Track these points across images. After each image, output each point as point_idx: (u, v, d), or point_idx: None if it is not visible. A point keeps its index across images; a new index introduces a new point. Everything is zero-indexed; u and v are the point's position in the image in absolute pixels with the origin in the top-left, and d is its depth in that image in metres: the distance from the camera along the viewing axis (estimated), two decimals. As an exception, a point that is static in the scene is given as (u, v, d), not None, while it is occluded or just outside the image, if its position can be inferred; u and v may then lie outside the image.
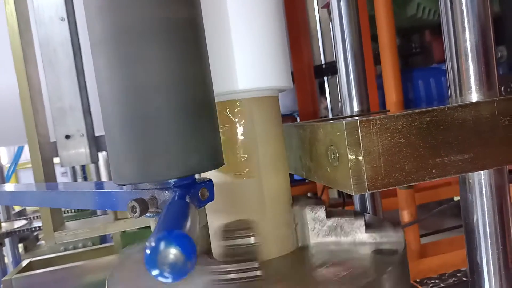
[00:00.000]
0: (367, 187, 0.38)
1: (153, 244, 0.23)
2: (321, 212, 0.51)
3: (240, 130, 0.49)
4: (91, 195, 0.47)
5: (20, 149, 2.47)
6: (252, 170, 0.49)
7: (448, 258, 1.23)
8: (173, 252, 0.23)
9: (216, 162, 0.42)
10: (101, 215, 1.94)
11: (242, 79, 0.47)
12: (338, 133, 0.40)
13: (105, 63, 0.40)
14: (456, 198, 1.76)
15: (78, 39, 1.05)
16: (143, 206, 0.39)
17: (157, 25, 0.38)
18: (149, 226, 1.55)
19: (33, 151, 0.97)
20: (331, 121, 0.44)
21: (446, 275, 1.28)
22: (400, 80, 1.21)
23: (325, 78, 1.85)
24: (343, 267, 0.43)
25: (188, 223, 0.28)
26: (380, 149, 0.39)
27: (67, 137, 1.03)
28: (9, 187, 0.72)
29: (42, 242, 2.49)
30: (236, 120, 0.49)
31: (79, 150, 1.03)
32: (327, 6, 1.47)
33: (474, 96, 0.43)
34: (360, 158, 0.38)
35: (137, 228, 1.56)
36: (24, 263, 1.54)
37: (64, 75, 1.03)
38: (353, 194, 0.39)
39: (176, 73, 0.39)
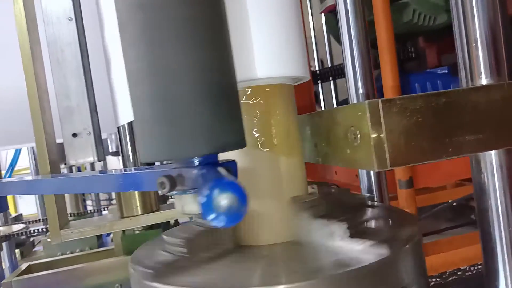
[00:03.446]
0: (388, 163, 0.40)
1: (207, 191, 0.24)
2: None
3: (257, 118, 0.51)
4: (115, 177, 0.48)
5: (17, 154, 2.45)
6: (269, 157, 0.51)
7: (448, 256, 1.26)
8: (229, 196, 0.24)
9: (239, 143, 0.43)
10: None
11: (261, 67, 0.49)
12: (360, 113, 0.42)
13: (133, 45, 0.41)
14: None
15: (85, 39, 1.06)
16: (172, 182, 0.40)
17: (185, 9, 0.40)
18: (151, 227, 1.55)
19: (40, 149, 0.98)
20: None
21: (447, 273, 1.30)
22: (399, 84, 1.24)
23: (319, 85, 1.89)
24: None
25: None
26: (400, 128, 0.41)
27: (74, 135, 1.04)
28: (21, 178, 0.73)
29: (38, 248, 2.47)
30: (253, 108, 0.51)
31: (86, 148, 1.04)
32: (327, 11, 1.51)
33: (484, 82, 0.46)
34: (382, 136, 0.40)
35: (139, 230, 1.56)
36: (24, 266, 1.53)
37: (72, 74, 1.04)
38: (375, 170, 0.40)
39: (202, 56, 0.40)
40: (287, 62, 0.50)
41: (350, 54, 0.76)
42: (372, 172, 0.76)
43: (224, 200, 0.24)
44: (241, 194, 0.25)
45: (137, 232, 1.55)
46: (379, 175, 0.75)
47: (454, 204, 1.61)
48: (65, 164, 1.03)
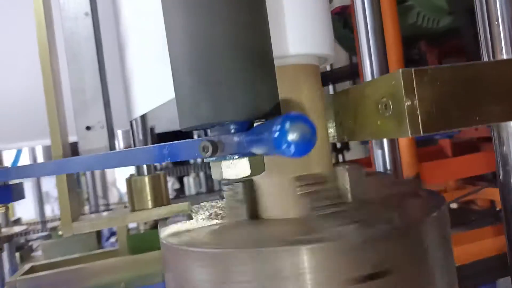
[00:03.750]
0: (421, 129, 0.42)
1: (279, 125, 0.26)
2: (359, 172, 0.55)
3: (286, 95, 0.53)
4: (151, 149, 0.49)
5: (18, 156, 2.45)
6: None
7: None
8: (301, 125, 0.26)
9: (275, 111, 0.45)
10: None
11: (293, 44, 0.51)
12: (393, 82, 0.44)
13: (175, 13, 0.44)
14: (453, 205, 1.81)
15: (100, 34, 1.08)
16: (215, 146, 0.42)
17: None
18: (156, 226, 1.54)
19: (55, 143, 0.99)
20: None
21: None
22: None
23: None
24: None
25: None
26: (431, 96, 0.43)
27: (88, 128, 1.05)
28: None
29: (37, 253, 2.44)
30: (283, 85, 0.53)
31: (99, 142, 1.05)
32: (333, 13, 1.55)
33: (505, 57, 0.49)
34: (415, 103, 0.43)
35: (144, 229, 1.56)
36: (27, 266, 1.52)
37: (87, 68, 1.05)
38: (409, 136, 0.43)
39: (241, 24, 0.42)
40: (317, 41, 0.53)
41: (367, 52, 0.78)
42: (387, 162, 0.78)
43: (297, 129, 0.26)
44: (311, 124, 0.26)
45: (142, 231, 1.56)
46: (395, 162, 0.77)
47: (455, 204, 1.63)
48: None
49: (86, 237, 2.09)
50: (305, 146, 0.26)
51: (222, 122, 0.43)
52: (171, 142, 0.48)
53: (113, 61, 1.10)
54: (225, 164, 0.44)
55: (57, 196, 1.00)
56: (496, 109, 0.45)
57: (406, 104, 0.43)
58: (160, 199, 1.08)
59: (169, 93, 0.85)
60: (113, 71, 1.10)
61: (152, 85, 0.92)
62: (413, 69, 0.43)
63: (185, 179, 2.96)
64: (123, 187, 5.02)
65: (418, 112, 0.42)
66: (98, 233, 2.16)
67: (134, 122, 1.07)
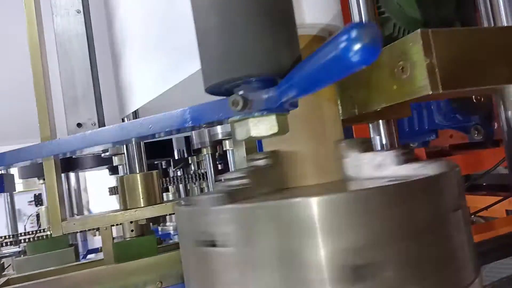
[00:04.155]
0: (440, 86, 0.45)
1: (347, 33, 0.27)
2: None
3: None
4: (172, 114, 0.49)
5: None
6: (313, 102, 0.54)
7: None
8: (369, 30, 0.27)
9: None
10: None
11: (309, 14, 0.53)
12: (411, 43, 0.46)
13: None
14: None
15: (92, 32, 1.07)
16: (244, 101, 0.42)
17: None
18: (143, 234, 1.50)
19: (45, 138, 0.96)
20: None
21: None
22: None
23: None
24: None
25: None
26: (447, 56, 0.45)
27: (79, 125, 1.02)
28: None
29: (8, 271, 2.30)
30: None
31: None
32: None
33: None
34: (434, 61, 0.45)
35: (130, 237, 1.51)
36: (2, 280, 1.43)
37: (78, 65, 1.04)
38: (429, 93, 0.44)
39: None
40: (331, 13, 0.55)
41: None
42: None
43: (366, 33, 0.26)
44: (377, 30, 0.27)
45: (128, 239, 1.50)
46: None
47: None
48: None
49: (62, 254, 1.99)
50: (374, 50, 0.27)
51: (249, 76, 0.43)
52: (193, 106, 0.48)
53: (104, 59, 1.09)
54: (252, 121, 0.44)
55: (46, 196, 0.96)
56: (505, 71, 0.48)
57: (425, 62, 0.45)
58: (152, 198, 1.06)
59: (163, 86, 0.85)
60: (104, 68, 1.09)
61: (147, 78, 0.92)
62: (430, 30, 0.45)
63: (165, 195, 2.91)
64: (96, 210, 4.86)
65: (437, 70, 0.45)
66: (76, 249, 2.06)
67: (126, 119, 1.05)
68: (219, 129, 1.36)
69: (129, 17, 0.93)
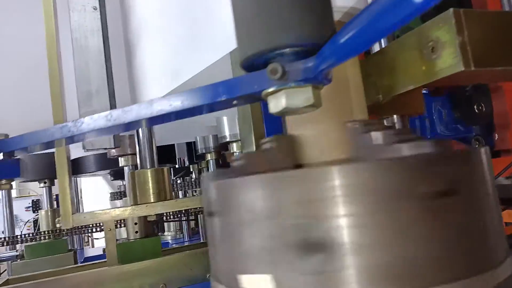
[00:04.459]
0: (472, 64, 0.45)
1: None
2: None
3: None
4: (213, 86, 0.49)
5: None
6: (340, 88, 0.55)
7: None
8: None
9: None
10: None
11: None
12: (441, 23, 0.47)
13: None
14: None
15: (107, 29, 1.09)
16: (283, 69, 0.43)
17: None
18: (147, 235, 1.49)
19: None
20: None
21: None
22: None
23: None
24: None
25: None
26: (479, 35, 0.47)
27: (92, 119, 1.02)
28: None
29: (3, 276, 2.25)
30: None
31: (103, 133, 1.03)
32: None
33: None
34: (466, 40, 0.46)
35: (134, 238, 1.49)
36: (1, 280, 1.41)
37: (93, 60, 1.05)
38: (462, 70, 0.45)
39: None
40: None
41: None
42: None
43: None
44: None
45: (132, 240, 1.49)
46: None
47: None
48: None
49: (61, 258, 1.96)
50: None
51: (287, 46, 0.43)
52: (225, 80, 0.49)
53: (118, 55, 1.10)
54: (287, 92, 0.44)
55: (58, 187, 0.96)
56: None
57: (457, 40, 0.46)
58: (163, 194, 1.05)
59: (177, 80, 0.86)
60: (118, 65, 1.10)
61: (161, 71, 0.93)
62: (461, 10, 0.46)
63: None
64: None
65: (469, 48, 0.46)
66: (75, 254, 2.03)
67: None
68: (227, 131, 1.37)
69: (147, 9, 0.94)
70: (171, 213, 2.08)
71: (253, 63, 0.47)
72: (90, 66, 1.04)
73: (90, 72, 1.04)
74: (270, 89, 0.45)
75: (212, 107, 0.52)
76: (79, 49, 1.04)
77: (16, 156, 0.73)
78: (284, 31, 0.43)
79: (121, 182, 2.40)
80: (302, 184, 0.40)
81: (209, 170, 2.03)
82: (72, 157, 1.39)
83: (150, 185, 1.04)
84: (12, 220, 2.08)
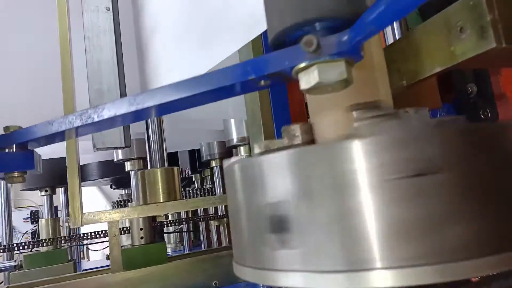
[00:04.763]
0: (503, 40, 0.46)
1: None
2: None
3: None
4: (241, 65, 0.48)
5: None
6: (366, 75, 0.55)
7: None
8: None
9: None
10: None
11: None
12: (471, 2, 0.48)
13: None
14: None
15: (120, 29, 1.09)
16: (318, 41, 0.42)
17: None
18: (151, 243, 1.47)
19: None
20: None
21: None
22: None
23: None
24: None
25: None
26: (508, 13, 0.47)
27: (103, 117, 1.01)
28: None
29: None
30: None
31: (113, 132, 1.02)
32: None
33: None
34: (496, 18, 0.46)
35: (139, 244, 1.47)
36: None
37: (105, 60, 1.05)
38: (494, 46, 0.45)
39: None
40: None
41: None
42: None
43: None
44: None
45: (137, 246, 1.46)
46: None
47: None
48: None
49: (61, 268, 1.91)
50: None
51: (320, 19, 0.43)
52: (253, 58, 0.48)
53: (130, 55, 1.10)
54: (320, 66, 0.44)
55: (68, 188, 0.94)
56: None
57: (488, 18, 0.46)
58: (173, 194, 1.04)
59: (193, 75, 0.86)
60: (129, 65, 1.10)
61: (173, 69, 0.93)
62: (491, -11, 0.47)
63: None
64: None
65: (500, 25, 0.46)
66: (75, 264, 1.98)
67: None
68: (234, 134, 1.36)
69: (161, 6, 0.95)
70: (171, 220, 2.05)
71: (284, 40, 0.47)
72: (102, 65, 1.04)
73: (102, 72, 1.04)
74: (302, 65, 0.45)
75: (240, 88, 0.51)
76: (91, 48, 1.04)
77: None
78: (318, 2, 0.43)
79: (123, 191, 2.38)
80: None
81: (213, 178, 2.01)
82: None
83: (160, 185, 1.03)
84: (10, 228, 2.05)
